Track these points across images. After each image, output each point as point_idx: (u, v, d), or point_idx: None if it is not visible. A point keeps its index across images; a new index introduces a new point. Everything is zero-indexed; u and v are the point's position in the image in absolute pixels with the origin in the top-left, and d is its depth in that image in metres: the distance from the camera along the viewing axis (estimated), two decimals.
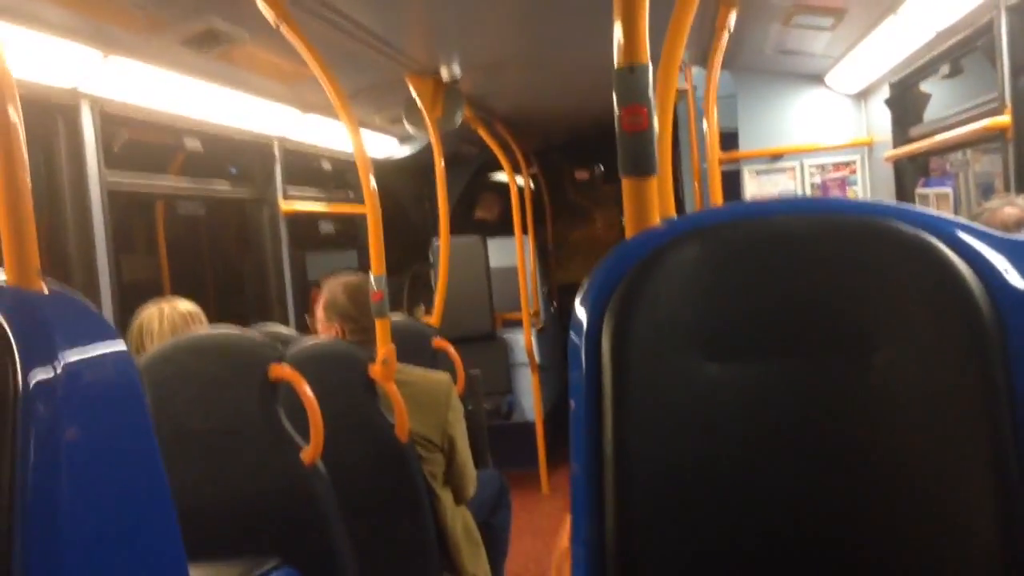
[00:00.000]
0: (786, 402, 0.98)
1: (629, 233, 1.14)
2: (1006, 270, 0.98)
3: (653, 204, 1.14)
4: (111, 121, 2.85)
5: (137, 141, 3.24)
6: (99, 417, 1.12)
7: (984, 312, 0.95)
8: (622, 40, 1.16)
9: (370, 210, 2.60)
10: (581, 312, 1.05)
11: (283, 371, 1.89)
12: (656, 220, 1.15)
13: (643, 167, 1.14)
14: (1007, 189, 2.57)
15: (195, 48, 2.70)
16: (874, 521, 0.94)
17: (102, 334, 1.14)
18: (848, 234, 1.01)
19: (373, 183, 2.63)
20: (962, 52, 2.87)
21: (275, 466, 1.88)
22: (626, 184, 1.16)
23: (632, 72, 1.14)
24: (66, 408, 1.05)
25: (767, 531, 0.97)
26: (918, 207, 1.07)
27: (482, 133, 4.54)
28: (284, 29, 2.33)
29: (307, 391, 1.91)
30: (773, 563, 0.97)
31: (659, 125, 1.35)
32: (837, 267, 1.00)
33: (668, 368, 1.00)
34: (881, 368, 0.96)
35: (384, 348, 2.42)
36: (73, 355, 1.07)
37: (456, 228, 5.48)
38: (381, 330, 2.44)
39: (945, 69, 2.99)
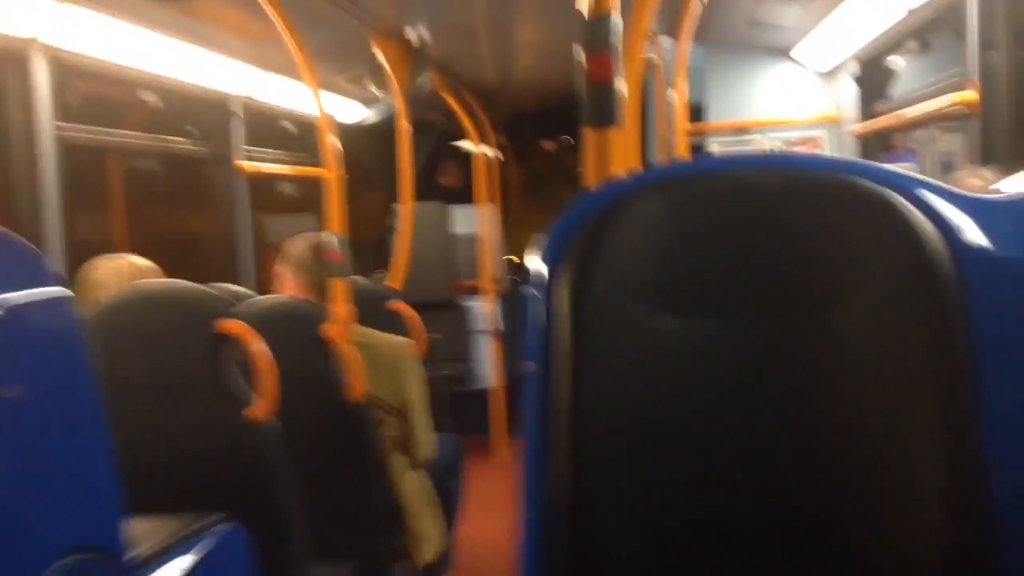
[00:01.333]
0: (744, 357, 0.96)
1: (591, 184, 1.12)
2: (970, 229, 0.96)
3: (616, 155, 1.12)
4: (67, 72, 2.77)
5: (95, 95, 3.16)
6: (37, 362, 1.09)
7: (946, 271, 0.93)
8: None
9: (329, 171, 2.56)
10: (538, 264, 1.02)
11: (230, 324, 1.85)
12: (618, 171, 1.13)
13: (606, 117, 1.12)
14: (972, 163, 2.58)
15: (158, 1, 2.63)
16: (828, 475, 0.93)
17: (45, 278, 1.10)
18: (813, 190, 0.99)
19: (335, 143, 2.58)
20: (931, 28, 2.88)
21: (223, 421, 1.85)
22: (589, 135, 1.13)
23: (600, 21, 1.12)
24: (1, 350, 1.01)
25: (722, 487, 0.96)
26: (871, 162, 1.05)
27: (449, 100, 4.48)
28: None
29: (256, 345, 1.87)
30: (728, 518, 0.96)
31: (627, 81, 1.33)
32: (800, 223, 0.98)
33: (627, 322, 0.98)
34: (840, 325, 0.94)
35: (341, 308, 2.38)
36: (12, 297, 1.03)
37: (420, 195, 5.45)
38: (338, 290, 2.40)
39: (913, 45, 2.99)
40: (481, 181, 4.99)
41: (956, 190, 0.99)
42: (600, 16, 1.11)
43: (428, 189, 5.76)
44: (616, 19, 1.11)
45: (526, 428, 1.00)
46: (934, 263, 0.93)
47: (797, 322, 0.95)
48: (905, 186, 0.98)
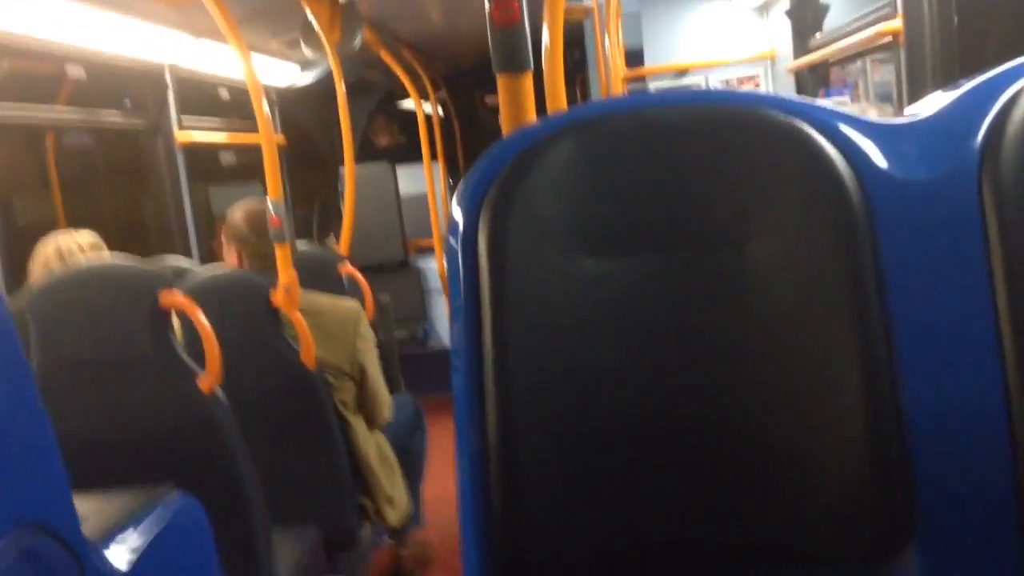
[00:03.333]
0: (662, 295, 0.98)
1: (505, 131, 1.12)
2: (875, 154, 0.98)
3: (529, 101, 1.12)
4: None
5: (19, 72, 3.08)
6: None
7: (852, 196, 0.95)
8: None
9: (264, 136, 2.53)
10: (457, 213, 1.03)
11: (173, 298, 1.83)
12: (532, 117, 1.13)
13: (518, 62, 1.11)
14: (900, 94, 2.62)
15: None
16: (751, 401, 0.96)
17: None
18: (721, 123, 1.00)
19: (267, 109, 2.54)
20: None
21: (171, 396, 1.84)
22: (501, 81, 1.13)
23: None
24: None
25: (647, 422, 0.98)
26: (792, 96, 1.07)
27: (386, 58, 4.42)
28: None
29: (200, 317, 1.86)
30: (654, 451, 0.98)
31: (549, 28, 1.33)
32: (711, 157, 0.99)
33: (545, 266, 0.99)
34: (754, 256, 0.96)
35: (286, 275, 2.37)
36: None
37: (366, 156, 5.39)
38: (281, 256, 2.39)
39: None
40: (424, 139, 4.95)
41: (862, 116, 1.01)
42: None
43: (374, 150, 5.70)
44: None
45: (455, 378, 1.01)
46: (842, 188, 0.95)
47: (713, 253, 0.97)
48: (812, 115, 1.00)
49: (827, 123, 0.99)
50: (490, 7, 1.10)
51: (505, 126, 1.14)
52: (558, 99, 1.33)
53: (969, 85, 1.00)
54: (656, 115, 1.02)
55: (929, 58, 2.36)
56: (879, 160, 0.98)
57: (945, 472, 0.94)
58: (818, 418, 0.95)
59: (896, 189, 0.96)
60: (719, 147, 0.99)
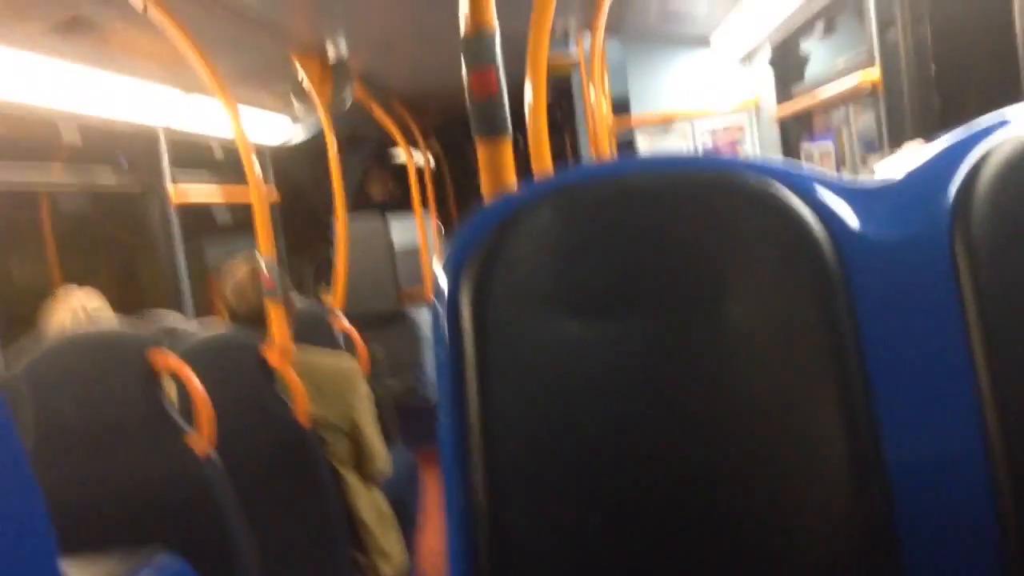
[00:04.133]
0: (644, 356, 0.99)
1: (486, 195, 1.14)
2: (849, 216, 1.01)
3: (508, 164, 1.14)
4: None
5: (12, 136, 3.12)
6: None
7: (828, 257, 0.97)
8: (467, 8, 1.16)
9: (254, 193, 2.56)
10: (441, 278, 1.05)
11: (164, 360, 1.85)
12: (512, 181, 1.15)
13: (496, 128, 1.14)
14: (882, 140, 2.66)
15: (65, 35, 2.60)
16: (735, 461, 0.96)
17: None
18: (697, 188, 1.02)
19: (257, 168, 2.58)
20: (837, 9, 2.95)
21: (163, 458, 1.85)
22: (480, 146, 1.15)
23: (479, 38, 1.14)
24: None
25: (633, 485, 0.98)
26: (766, 159, 1.09)
27: (377, 112, 4.48)
28: (152, 13, 2.26)
29: (191, 377, 1.87)
30: (641, 515, 0.98)
31: (532, 87, 1.36)
32: (688, 221, 1.01)
33: (527, 330, 1.00)
34: (735, 319, 0.97)
35: (278, 332, 2.38)
36: None
37: (359, 208, 5.43)
38: (275, 313, 2.40)
39: (822, 27, 3.07)
40: (415, 190, 4.99)
41: (835, 178, 1.04)
42: (476, 34, 1.13)
43: (367, 203, 5.75)
44: (491, 34, 1.14)
45: (442, 441, 1.02)
46: (817, 249, 0.97)
47: (692, 315, 0.98)
48: (788, 178, 1.02)
49: (802, 185, 1.02)
50: (468, 80, 1.13)
51: (485, 190, 1.16)
52: (543, 160, 1.36)
53: (941, 143, 1.02)
54: (635, 181, 1.04)
55: (908, 105, 2.40)
56: (853, 222, 1.00)
57: (928, 526, 0.95)
58: (801, 478, 0.95)
59: (871, 249, 0.98)
60: (696, 211, 1.01)
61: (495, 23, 1.15)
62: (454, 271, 1.04)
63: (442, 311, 1.03)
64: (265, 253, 2.44)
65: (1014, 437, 0.91)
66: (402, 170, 5.42)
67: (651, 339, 0.99)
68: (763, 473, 0.96)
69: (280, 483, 2.33)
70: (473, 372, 1.00)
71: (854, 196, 1.02)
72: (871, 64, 2.60)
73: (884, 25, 2.46)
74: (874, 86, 2.55)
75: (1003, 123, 0.99)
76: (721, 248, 1.00)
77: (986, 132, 1.00)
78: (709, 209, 1.01)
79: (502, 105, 1.14)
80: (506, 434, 0.99)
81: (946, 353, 0.95)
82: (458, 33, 1.18)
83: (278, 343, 2.35)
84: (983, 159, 0.97)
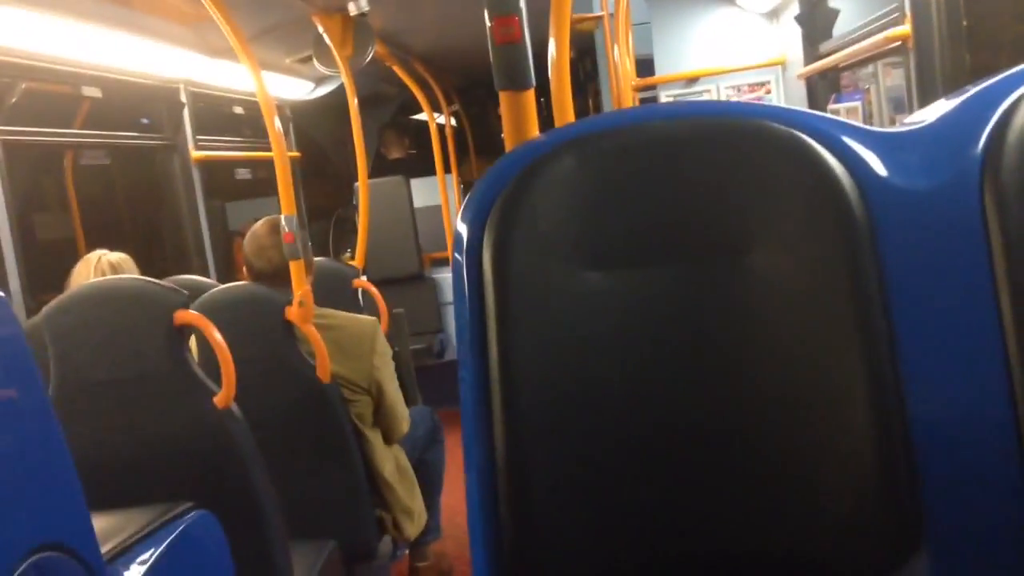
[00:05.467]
0: (667, 307, 0.98)
1: (509, 147, 1.13)
2: (877, 164, 0.99)
3: (531, 117, 1.13)
4: (6, 73, 2.74)
5: (37, 93, 3.13)
6: None
7: (854, 206, 0.96)
8: None
9: (277, 153, 2.55)
10: (462, 228, 1.04)
11: (188, 316, 1.86)
12: (535, 133, 1.14)
13: (519, 80, 1.13)
14: (910, 98, 2.61)
15: None
16: (755, 416, 0.96)
17: None
18: (723, 136, 1.01)
19: (279, 125, 2.57)
20: None
21: (187, 413, 1.86)
22: (503, 98, 1.14)
23: None
24: None
25: (654, 436, 0.98)
26: (794, 107, 1.07)
27: (398, 71, 4.45)
28: None
29: (215, 335, 1.88)
30: (662, 465, 0.98)
31: (555, 39, 1.34)
32: (714, 170, 1.00)
33: (550, 279, 0.99)
34: (759, 268, 0.96)
35: (300, 289, 2.39)
36: None
37: (380, 170, 5.42)
38: (296, 271, 2.40)
39: None
40: (437, 151, 4.96)
41: (862, 126, 1.02)
42: None
43: (388, 164, 5.73)
44: None
45: (462, 391, 1.02)
46: (844, 198, 0.96)
47: (717, 265, 0.97)
48: (814, 125, 1.00)
49: (828, 133, 1.00)
50: (490, 26, 1.11)
51: (508, 142, 1.15)
52: (566, 113, 1.34)
53: (970, 92, 1.00)
54: (658, 128, 1.03)
55: (939, 63, 2.35)
56: (880, 169, 0.98)
57: (952, 481, 0.94)
58: (825, 428, 0.95)
59: (898, 198, 0.97)
60: (721, 160, 1.00)
61: None
62: (475, 221, 1.03)
63: (462, 261, 1.03)
64: (286, 211, 2.44)
65: None
66: (421, 131, 5.38)
67: (675, 289, 0.98)
68: (784, 424, 0.96)
69: (303, 440, 2.35)
70: (494, 323, 0.99)
71: (881, 143, 1.01)
72: (900, 21, 2.54)
73: None
74: (904, 43, 2.50)
75: None
76: (746, 197, 0.98)
77: (1016, 81, 0.98)
78: (734, 156, 1.00)
79: (525, 56, 1.13)
80: (527, 385, 0.99)
81: (973, 304, 0.94)
82: None
83: (299, 300, 2.35)
84: (1013, 106, 0.94)
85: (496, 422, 0.99)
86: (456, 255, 1.03)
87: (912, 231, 0.96)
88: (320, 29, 3.44)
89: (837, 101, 3.59)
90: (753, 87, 4.24)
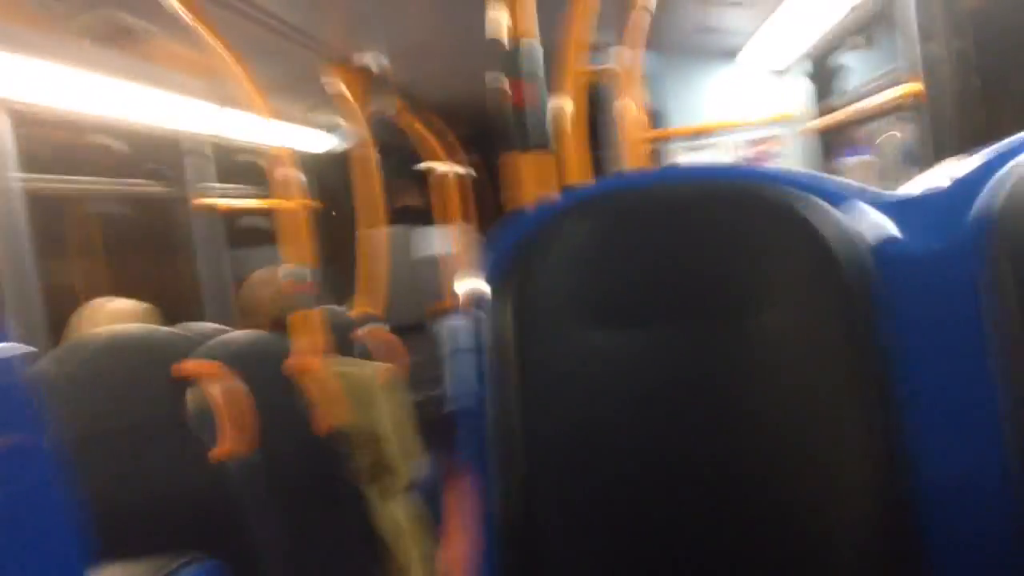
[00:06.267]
0: (670, 368, 0.98)
1: (520, 205, 1.14)
2: (878, 228, 0.99)
3: (547, 179, 1.14)
4: (25, 123, 2.78)
5: (60, 145, 3.18)
6: None
7: (853, 271, 0.96)
8: (510, 18, 1.16)
9: (284, 202, 2.57)
10: (484, 282, 1.05)
11: (192, 366, 1.85)
12: (544, 193, 1.15)
13: (527, 140, 1.14)
14: (924, 155, 2.61)
15: (104, 45, 2.64)
16: (760, 477, 0.95)
17: None
18: (723, 202, 1.02)
19: (293, 173, 2.59)
20: (874, 22, 2.91)
21: (190, 463, 1.85)
22: (516, 159, 1.16)
23: (516, 51, 1.14)
24: None
25: (659, 493, 0.98)
26: (798, 171, 1.08)
27: (412, 120, 4.50)
28: (190, 20, 2.28)
29: (225, 383, 1.88)
30: (669, 523, 0.97)
31: (571, 100, 1.35)
32: (714, 234, 1.01)
33: (563, 337, 1.01)
34: (759, 332, 0.96)
35: (311, 339, 2.39)
36: None
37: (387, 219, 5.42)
38: (302, 321, 2.40)
39: (860, 40, 3.04)
40: (451, 200, 4.98)
41: (866, 188, 1.02)
42: (516, 46, 1.13)
43: (391, 212, 5.73)
44: (533, 46, 1.13)
45: (474, 447, 1.02)
46: (841, 264, 0.96)
47: (718, 328, 0.98)
48: (814, 188, 1.01)
49: (830, 196, 1.00)
50: (508, 90, 1.13)
51: (522, 200, 1.16)
52: (580, 171, 1.36)
53: (976, 158, 1.00)
54: (660, 193, 1.04)
55: (952, 119, 2.36)
56: (882, 235, 0.98)
57: (953, 546, 0.93)
58: (825, 491, 0.94)
59: (897, 263, 0.97)
60: (720, 223, 1.01)
61: (535, 35, 1.15)
62: (495, 278, 1.04)
63: (481, 316, 1.03)
64: (295, 261, 2.45)
65: None
66: (429, 180, 5.39)
67: (678, 349, 0.98)
68: (787, 484, 0.95)
69: (307, 490, 2.33)
70: (516, 380, 0.99)
71: (884, 208, 1.01)
72: (909, 77, 2.56)
73: (925, 37, 2.43)
74: (916, 99, 2.51)
75: None
76: (746, 263, 0.99)
77: (1017, 148, 0.98)
78: (734, 223, 1.01)
79: (534, 117, 1.14)
80: (542, 445, 0.99)
81: (974, 370, 0.93)
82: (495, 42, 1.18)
83: (309, 351, 2.35)
84: (1009, 174, 0.94)
85: (511, 476, 0.98)
86: (475, 312, 1.04)
87: (912, 295, 0.96)
88: (338, 82, 3.49)
89: (849, 155, 3.61)
90: (764, 141, 4.26)
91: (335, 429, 2.36)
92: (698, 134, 4.32)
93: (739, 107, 4.28)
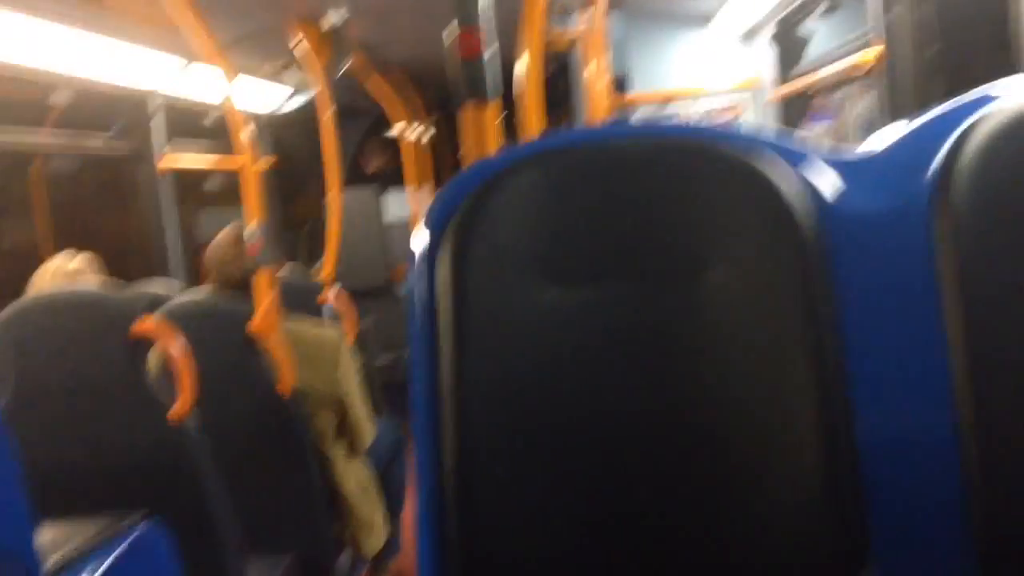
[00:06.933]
0: (620, 324, 0.97)
1: (469, 160, 1.12)
2: (830, 187, 0.99)
3: (490, 131, 1.12)
4: None
5: (7, 98, 3.09)
6: None
7: (806, 228, 0.96)
8: None
9: (243, 162, 2.52)
10: (420, 238, 1.03)
11: (147, 326, 1.82)
12: (494, 147, 1.13)
13: (480, 93, 1.12)
14: (884, 120, 2.62)
15: None
16: (708, 430, 0.96)
17: None
18: (677, 156, 1.01)
19: (245, 135, 2.54)
20: None
21: (144, 423, 1.83)
22: (466, 112, 1.13)
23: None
24: None
25: (606, 453, 0.97)
26: (752, 129, 1.07)
27: (376, 83, 4.44)
28: None
29: (173, 346, 1.85)
30: (613, 483, 0.97)
31: (529, 58, 1.33)
32: (667, 189, 1.00)
33: (506, 292, 0.99)
34: (711, 289, 0.96)
35: (264, 301, 2.36)
36: None
37: (356, 181, 5.37)
38: (261, 282, 2.38)
39: (825, 6, 3.03)
40: (414, 163, 4.94)
41: (819, 149, 1.02)
42: None
43: (359, 176, 5.69)
44: None
45: (415, 406, 1.00)
46: (796, 222, 0.96)
47: (670, 285, 0.97)
48: (768, 146, 1.00)
49: (783, 155, 1.00)
50: (458, 41, 1.11)
51: (467, 155, 1.14)
52: (532, 129, 1.33)
53: (926, 117, 1.00)
54: (614, 147, 1.02)
55: (911, 86, 2.36)
56: (833, 193, 0.98)
57: (898, 499, 0.95)
58: (773, 445, 0.95)
59: (851, 221, 0.97)
60: (675, 180, 1.00)
61: None
62: (433, 233, 1.02)
63: (418, 272, 1.01)
64: (251, 221, 2.42)
65: (985, 417, 0.90)
66: (399, 143, 5.35)
67: (628, 304, 0.97)
68: (734, 439, 0.96)
69: (262, 452, 2.31)
70: (449, 337, 0.98)
71: (835, 167, 1.01)
72: (872, 43, 2.56)
73: (890, 2, 2.42)
74: (876, 66, 2.51)
75: (989, 98, 0.98)
76: (699, 217, 0.98)
77: (972, 106, 0.98)
78: (688, 178, 1.00)
79: (483, 69, 1.12)
80: (480, 401, 0.97)
81: (922, 328, 0.94)
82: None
83: (263, 312, 2.32)
84: (967, 132, 0.95)
85: (447, 436, 0.97)
86: (412, 266, 1.02)
87: (864, 253, 0.96)
88: (301, 37, 3.43)
89: (810, 123, 3.62)
90: (727, 109, 4.25)
91: (296, 390, 2.34)
92: (664, 101, 4.30)
93: (706, 73, 4.26)
